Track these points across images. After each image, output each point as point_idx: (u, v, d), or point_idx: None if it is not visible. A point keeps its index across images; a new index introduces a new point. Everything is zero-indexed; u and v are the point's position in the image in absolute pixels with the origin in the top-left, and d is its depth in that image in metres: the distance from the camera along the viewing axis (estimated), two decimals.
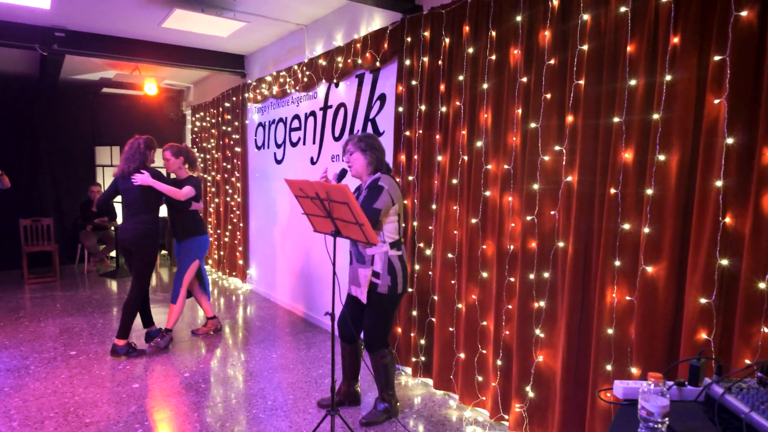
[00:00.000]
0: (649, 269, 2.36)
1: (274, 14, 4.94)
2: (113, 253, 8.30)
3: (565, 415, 2.69)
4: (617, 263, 2.49)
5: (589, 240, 2.65)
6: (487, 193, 3.19)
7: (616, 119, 2.50)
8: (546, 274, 2.84)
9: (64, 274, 7.68)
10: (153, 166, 4.35)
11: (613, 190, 2.50)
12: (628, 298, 2.48)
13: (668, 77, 2.31)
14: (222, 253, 7.36)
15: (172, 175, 4.66)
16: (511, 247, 3.03)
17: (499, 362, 3.09)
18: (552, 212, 2.82)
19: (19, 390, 3.64)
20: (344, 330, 3.27)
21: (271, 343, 4.68)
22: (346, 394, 3.41)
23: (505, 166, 3.06)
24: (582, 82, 2.65)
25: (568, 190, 2.73)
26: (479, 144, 3.22)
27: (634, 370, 2.41)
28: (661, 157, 2.33)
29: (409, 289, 3.78)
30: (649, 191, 2.37)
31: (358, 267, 3.13)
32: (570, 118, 2.71)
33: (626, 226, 2.47)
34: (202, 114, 8.06)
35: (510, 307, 3.04)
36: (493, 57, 3.13)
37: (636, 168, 2.44)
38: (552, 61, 2.80)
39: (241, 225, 6.75)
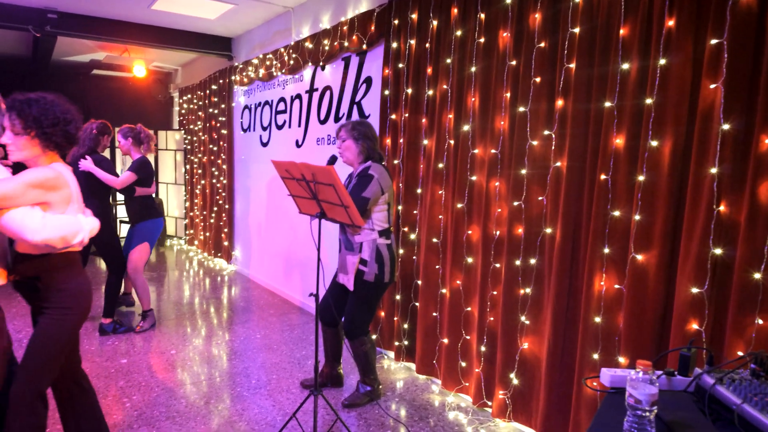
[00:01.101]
0: (639, 257, 2.19)
1: None
2: None
3: (550, 402, 2.52)
4: (606, 250, 2.31)
5: (578, 226, 2.46)
6: (474, 178, 2.97)
7: (607, 104, 2.30)
8: (533, 261, 2.65)
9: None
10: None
11: (603, 176, 2.31)
12: (616, 286, 2.30)
13: (662, 61, 2.11)
14: (208, 234, 7.07)
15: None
16: (498, 232, 2.83)
17: (483, 348, 2.90)
18: (540, 198, 2.62)
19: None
20: (325, 314, 3.09)
21: (255, 324, 4.46)
22: (329, 376, 3.24)
23: (493, 151, 2.84)
24: (573, 65, 2.44)
25: (557, 176, 2.54)
26: (466, 128, 3.00)
27: (622, 360, 2.24)
28: (654, 143, 2.14)
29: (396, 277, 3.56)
30: (641, 177, 2.18)
31: (346, 254, 2.94)
32: (560, 103, 2.51)
33: (616, 213, 2.28)
34: (189, 96, 7.70)
35: (495, 293, 2.85)
36: (482, 40, 2.89)
37: (627, 154, 2.25)
38: (542, 44, 2.58)
39: (227, 207, 6.47)
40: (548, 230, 2.58)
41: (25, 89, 6.29)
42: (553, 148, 2.56)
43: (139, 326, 4.22)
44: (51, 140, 1.90)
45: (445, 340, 3.15)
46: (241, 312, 4.80)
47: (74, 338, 2.06)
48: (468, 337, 3.06)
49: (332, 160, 2.86)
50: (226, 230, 6.55)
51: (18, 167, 1.94)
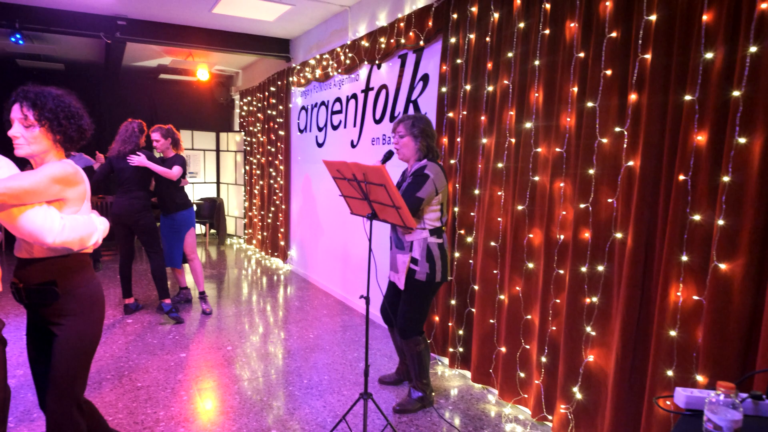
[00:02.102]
0: (723, 266, 1.99)
1: None
2: None
3: (617, 421, 2.35)
4: (684, 258, 2.12)
5: (652, 231, 2.28)
6: (536, 178, 2.84)
7: (687, 97, 2.11)
8: (600, 268, 2.49)
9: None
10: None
11: (682, 177, 2.13)
12: (695, 297, 2.11)
13: (753, 49, 1.91)
14: (265, 233, 7.24)
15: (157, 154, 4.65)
16: (562, 236, 2.68)
17: (543, 359, 2.76)
18: (609, 200, 2.46)
19: None
20: (384, 315, 3.13)
21: (309, 324, 4.50)
22: (404, 373, 3.24)
23: (558, 149, 2.70)
24: (648, 56, 2.27)
25: (629, 176, 2.36)
26: (528, 125, 2.87)
27: (700, 378, 2.05)
28: (742, 140, 1.94)
29: (449, 278, 3.48)
30: (726, 178, 1.98)
31: (397, 253, 2.92)
32: (633, 97, 2.33)
33: (696, 217, 2.09)
34: (249, 98, 7.93)
35: (558, 301, 2.70)
36: (547, 31, 2.75)
37: (710, 152, 2.05)
38: (614, 34, 2.42)
39: (283, 207, 6.60)
40: (618, 235, 2.41)
41: (100, 93, 6.81)
42: (625, 146, 2.39)
43: (208, 308, 4.70)
44: (65, 133, 1.83)
45: (503, 349, 3.03)
46: (295, 311, 4.87)
47: (97, 342, 1.95)
48: (527, 347, 2.92)
49: (389, 155, 2.86)
50: (282, 230, 6.68)
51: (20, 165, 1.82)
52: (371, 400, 2.63)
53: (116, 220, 4.40)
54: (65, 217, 1.75)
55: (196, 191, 8.70)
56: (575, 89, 2.60)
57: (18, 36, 5.21)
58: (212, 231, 8.57)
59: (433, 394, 3.08)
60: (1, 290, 1.74)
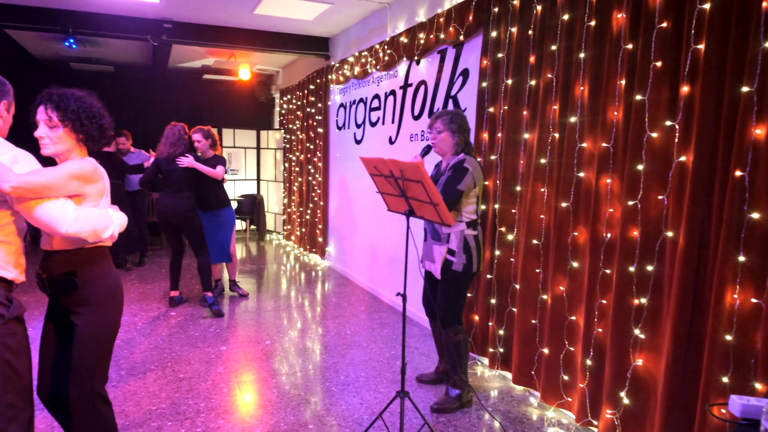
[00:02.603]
0: None
1: None
2: None
3: (667, 428, 2.25)
4: (741, 258, 2.01)
5: (706, 230, 2.16)
6: (581, 174, 2.75)
7: (744, 89, 2.00)
8: (649, 267, 2.38)
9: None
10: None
11: (738, 173, 2.01)
12: (754, 300, 1.99)
13: None
14: (303, 230, 7.33)
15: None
16: (608, 235, 2.59)
17: (588, 362, 2.67)
18: (660, 197, 2.35)
19: (128, 342, 3.91)
20: (427, 307, 3.15)
21: (346, 320, 4.53)
22: (443, 372, 3.21)
23: (604, 144, 2.60)
24: (701, 46, 2.15)
25: (681, 172, 2.26)
26: (573, 120, 2.78)
27: (759, 386, 1.94)
28: None
29: (488, 276, 3.43)
30: None
31: (432, 244, 2.97)
32: (685, 89, 2.22)
33: (755, 215, 1.97)
34: (289, 97, 8.04)
35: (604, 302, 2.61)
36: (593, 23, 2.66)
37: None
38: (664, 24, 2.31)
39: (321, 204, 6.66)
40: (669, 234, 2.31)
41: (147, 94, 7.11)
42: (676, 140, 2.28)
43: (243, 291, 5.12)
44: (87, 133, 1.90)
45: (546, 350, 2.95)
46: (332, 307, 4.90)
47: (116, 332, 2.01)
48: (572, 349, 2.84)
49: (427, 149, 2.88)
50: (320, 226, 6.74)
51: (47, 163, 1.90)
52: (408, 398, 2.62)
53: (164, 218, 4.56)
54: (80, 209, 1.82)
55: (237, 188, 8.90)
56: (623, 82, 2.50)
57: (71, 40, 5.45)
58: (252, 227, 8.75)
59: (471, 393, 3.04)
60: (24, 281, 1.82)
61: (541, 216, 3.03)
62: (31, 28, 5.40)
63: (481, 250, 2.93)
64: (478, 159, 3.49)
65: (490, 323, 3.42)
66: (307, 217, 7.12)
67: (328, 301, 5.13)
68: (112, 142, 6.08)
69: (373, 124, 5.32)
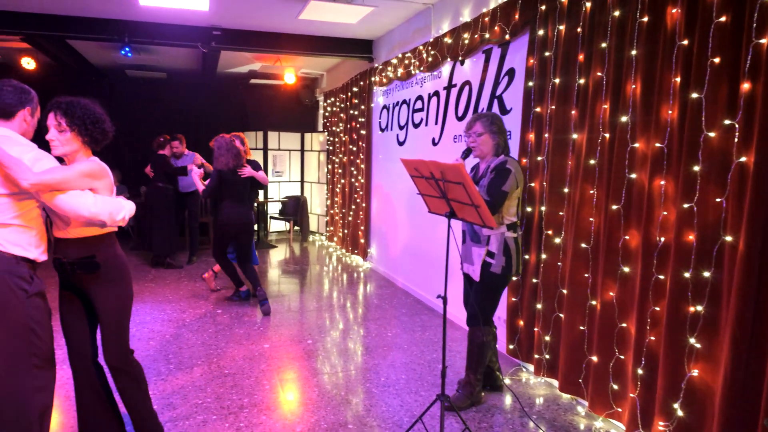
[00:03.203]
0: None
1: None
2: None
3: None
4: None
5: None
6: (633, 176, 2.65)
7: None
8: (706, 274, 2.27)
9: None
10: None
11: None
12: None
13: None
14: (346, 231, 7.40)
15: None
16: (662, 239, 2.48)
17: (640, 371, 2.57)
18: (718, 199, 2.24)
19: (177, 338, 4.07)
20: (468, 309, 3.13)
21: (387, 322, 4.53)
22: (487, 377, 3.18)
23: (657, 145, 2.50)
24: (764, 41, 2.03)
25: (741, 173, 2.13)
26: (624, 119, 2.68)
27: None
28: None
29: (534, 280, 3.35)
30: None
31: (472, 245, 2.98)
32: (746, 86, 2.10)
33: None
34: (332, 99, 8.14)
35: (657, 309, 2.50)
36: (645, 19, 2.56)
37: None
38: (722, 19, 2.20)
39: (364, 205, 6.70)
40: (728, 238, 2.19)
41: (197, 99, 7.44)
42: (736, 140, 2.16)
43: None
44: (91, 136, 2.17)
45: (594, 358, 2.85)
46: (374, 309, 4.92)
47: (132, 300, 2.37)
48: (622, 357, 2.73)
49: (467, 152, 2.87)
50: (362, 228, 6.79)
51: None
52: (449, 401, 2.60)
53: (232, 227, 4.70)
54: (97, 196, 2.12)
55: (281, 189, 9.09)
56: (678, 79, 2.40)
57: (127, 49, 5.73)
58: (296, 228, 8.90)
59: (483, 394, 3.09)
60: (46, 260, 2.11)
61: (590, 219, 2.94)
62: (90, 38, 5.72)
63: (520, 253, 2.94)
64: (524, 160, 3.44)
65: (535, 329, 3.34)
66: (350, 218, 7.18)
67: (369, 302, 5.16)
68: (167, 146, 6.34)
69: (416, 126, 5.32)
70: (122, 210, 2.19)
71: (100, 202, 2.09)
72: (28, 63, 7.02)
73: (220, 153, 4.65)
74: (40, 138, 2.16)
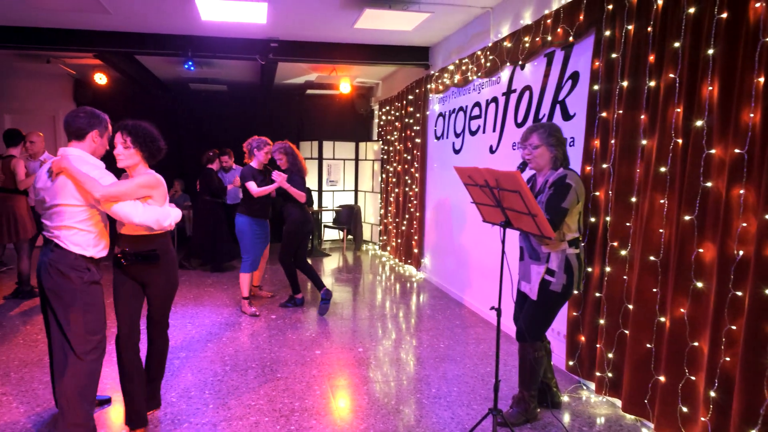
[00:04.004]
0: None
1: (459, 0, 4.70)
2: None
3: None
4: None
5: None
6: (709, 184, 2.50)
7: None
8: None
9: (273, 251, 8.46)
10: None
11: None
12: None
13: None
14: (399, 240, 7.41)
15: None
16: (741, 252, 2.32)
17: (712, 393, 2.40)
18: None
19: (233, 341, 4.21)
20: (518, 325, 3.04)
21: (440, 333, 4.49)
22: (543, 393, 3.09)
23: (737, 151, 2.35)
24: None
25: None
26: (699, 123, 2.55)
27: None
28: None
29: (597, 294, 3.23)
30: None
31: (530, 263, 2.86)
32: None
33: None
34: (387, 108, 8.22)
35: (734, 328, 2.33)
36: (724, 15, 2.43)
37: None
38: None
39: (418, 214, 6.69)
40: None
41: (256, 110, 7.87)
42: None
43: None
44: (150, 152, 2.64)
45: (662, 378, 2.70)
46: (426, 319, 4.89)
47: (176, 287, 2.89)
48: (693, 378, 2.57)
49: (523, 165, 2.80)
50: (416, 237, 6.78)
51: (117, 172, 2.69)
52: (501, 416, 2.54)
53: (310, 223, 4.98)
54: (145, 206, 2.57)
55: (335, 198, 9.24)
56: (761, 80, 2.25)
57: (190, 63, 6.05)
58: (349, 237, 9.01)
59: (539, 410, 2.98)
60: (104, 256, 2.62)
61: (660, 230, 2.79)
62: (156, 53, 6.09)
63: (582, 270, 2.85)
64: (588, 168, 3.33)
65: (598, 345, 3.20)
66: (403, 228, 7.20)
67: (422, 312, 5.13)
68: (215, 160, 6.71)
69: (472, 133, 5.27)
70: (168, 217, 2.63)
71: (148, 212, 2.54)
72: (101, 78, 7.53)
73: (296, 158, 4.93)
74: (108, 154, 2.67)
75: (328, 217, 9.33)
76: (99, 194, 2.41)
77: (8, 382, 3.33)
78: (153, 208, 2.57)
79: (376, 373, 3.62)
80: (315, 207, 8.60)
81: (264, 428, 2.83)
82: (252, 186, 4.77)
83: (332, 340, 4.25)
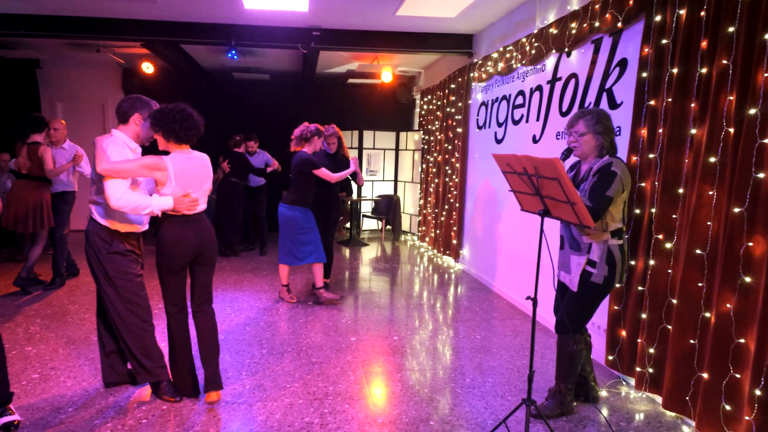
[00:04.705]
0: None
1: None
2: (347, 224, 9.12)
3: None
4: None
5: None
6: (761, 175, 2.43)
7: None
8: None
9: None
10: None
11: None
12: None
13: None
14: (438, 231, 7.44)
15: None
16: None
17: (758, 392, 2.35)
18: None
19: (270, 325, 4.38)
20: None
21: (477, 324, 4.51)
22: (581, 386, 3.09)
23: None
24: None
25: None
26: (753, 112, 2.47)
27: None
28: None
29: (640, 288, 3.18)
30: None
31: (570, 253, 2.85)
32: None
33: None
34: (429, 97, 8.23)
35: None
36: None
37: None
38: None
39: (457, 205, 6.70)
40: None
41: (298, 99, 8.14)
42: None
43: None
44: (167, 133, 2.75)
45: (705, 375, 2.65)
46: (463, 310, 4.92)
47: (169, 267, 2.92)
48: (737, 376, 2.52)
49: (567, 152, 2.78)
50: (455, 228, 6.79)
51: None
52: (535, 407, 2.55)
53: (341, 213, 5.30)
54: (129, 193, 2.70)
55: (375, 188, 9.34)
56: None
57: (233, 52, 6.24)
58: (388, 227, 9.10)
59: (575, 404, 2.98)
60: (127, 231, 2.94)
61: (708, 223, 2.73)
62: (201, 42, 6.30)
63: (625, 261, 2.80)
64: (634, 158, 3.27)
65: (639, 340, 3.17)
66: (442, 218, 7.22)
67: (459, 304, 5.16)
68: (242, 144, 7.09)
69: (515, 122, 5.24)
70: (149, 207, 2.73)
71: (125, 200, 2.68)
72: (148, 68, 7.85)
73: (342, 143, 5.21)
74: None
75: (367, 207, 9.44)
76: (100, 168, 2.62)
77: (56, 358, 3.58)
78: (136, 196, 2.73)
79: (411, 361, 3.70)
80: (354, 196, 8.72)
81: (298, 410, 2.95)
82: (327, 172, 4.84)
83: (368, 328, 4.35)
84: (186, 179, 2.80)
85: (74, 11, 5.65)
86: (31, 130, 5.07)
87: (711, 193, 2.72)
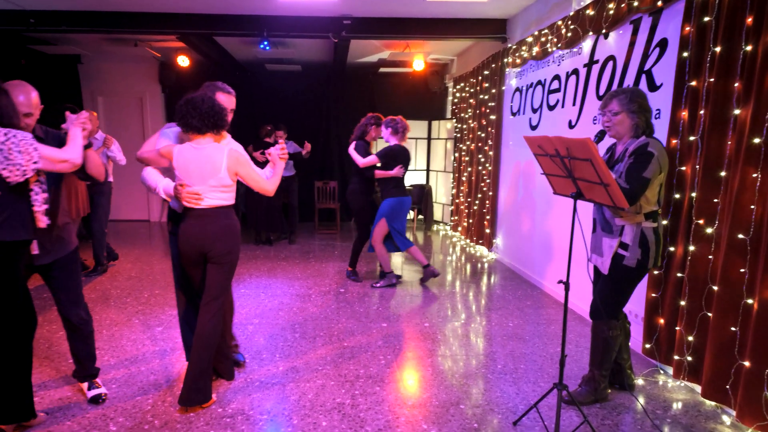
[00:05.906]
0: None
1: None
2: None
3: None
4: None
5: None
6: None
7: None
8: None
9: (343, 228, 8.97)
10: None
11: None
12: None
13: None
14: (470, 221, 7.41)
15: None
16: None
17: None
18: None
19: (302, 311, 4.48)
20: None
21: (510, 312, 4.50)
22: (615, 373, 3.07)
23: None
24: None
25: None
26: None
27: None
28: None
29: (679, 274, 3.12)
30: None
31: (602, 236, 2.83)
32: None
33: None
34: (462, 85, 8.17)
35: None
36: None
37: None
38: None
39: (491, 194, 6.65)
40: None
41: (329, 89, 8.28)
42: None
43: (377, 283, 5.27)
44: (187, 123, 2.73)
45: (747, 363, 2.59)
46: (496, 299, 4.91)
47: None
48: None
49: (601, 134, 2.76)
50: (488, 217, 6.75)
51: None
52: (567, 392, 2.55)
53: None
54: (146, 169, 2.93)
55: (407, 178, 9.34)
56: None
57: (265, 43, 6.33)
58: (420, 216, 9.11)
59: (609, 391, 2.97)
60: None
61: (752, 207, 2.65)
62: (234, 33, 6.43)
63: (660, 245, 2.75)
64: (674, 141, 3.20)
65: (677, 328, 3.11)
66: (475, 207, 7.18)
67: (492, 292, 5.15)
68: (273, 134, 7.29)
69: (551, 108, 5.16)
70: (155, 187, 2.89)
71: (143, 176, 2.91)
72: (183, 60, 8.03)
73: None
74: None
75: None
76: (138, 154, 2.90)
77: (100, 338, 3.76)
78: (150, 173, 2.92)
79: (441, 346, 3.73)
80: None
81: (330, 391, 3.03)
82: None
83: (399, 315, 4.40)
84: (186, 170, 2.74)
85: (112, 6, 5.85)
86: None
87: (755, 175, 2.64)
